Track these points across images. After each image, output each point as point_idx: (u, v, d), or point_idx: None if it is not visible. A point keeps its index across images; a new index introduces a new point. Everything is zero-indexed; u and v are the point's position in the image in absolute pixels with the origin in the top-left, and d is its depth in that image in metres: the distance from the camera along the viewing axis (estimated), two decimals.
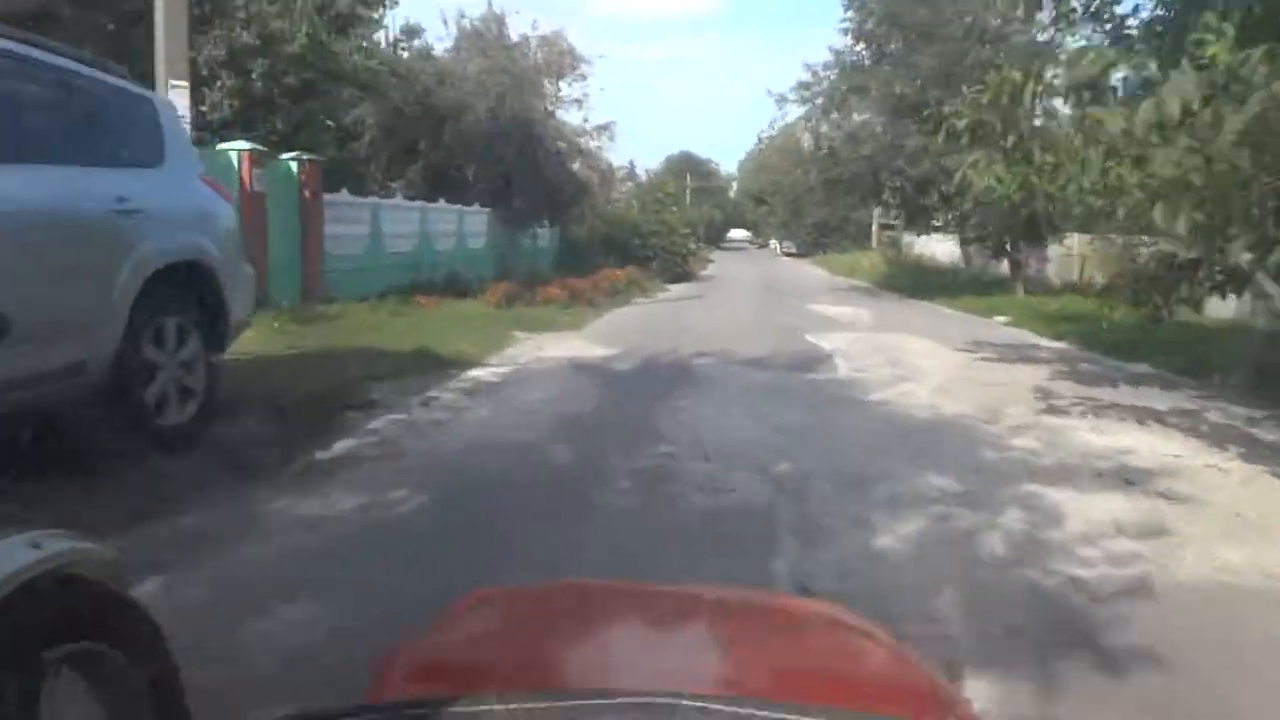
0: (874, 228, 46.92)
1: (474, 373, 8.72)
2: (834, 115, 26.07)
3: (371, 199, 16.87)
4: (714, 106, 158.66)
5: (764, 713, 0.73)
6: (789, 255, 57.92)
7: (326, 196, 14.25)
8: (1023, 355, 11.73)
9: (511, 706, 0.75)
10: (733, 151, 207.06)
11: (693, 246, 31.41)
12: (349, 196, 15.49)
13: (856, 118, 25.83)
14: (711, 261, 39.19)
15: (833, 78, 25.32)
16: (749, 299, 21.28)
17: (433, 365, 8.67)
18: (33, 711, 1.07)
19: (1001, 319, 16.81)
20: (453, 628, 1.49)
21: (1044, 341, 13.56)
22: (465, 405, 7.22)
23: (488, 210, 21.48)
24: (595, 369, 9.43)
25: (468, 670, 1.25)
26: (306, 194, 13.52)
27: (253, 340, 7.57)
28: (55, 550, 1.15)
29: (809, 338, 12.68)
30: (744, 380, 8.80)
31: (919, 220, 27.35)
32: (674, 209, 30.93)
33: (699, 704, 0.73)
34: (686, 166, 74.46)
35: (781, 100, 27.44)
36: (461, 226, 20.23)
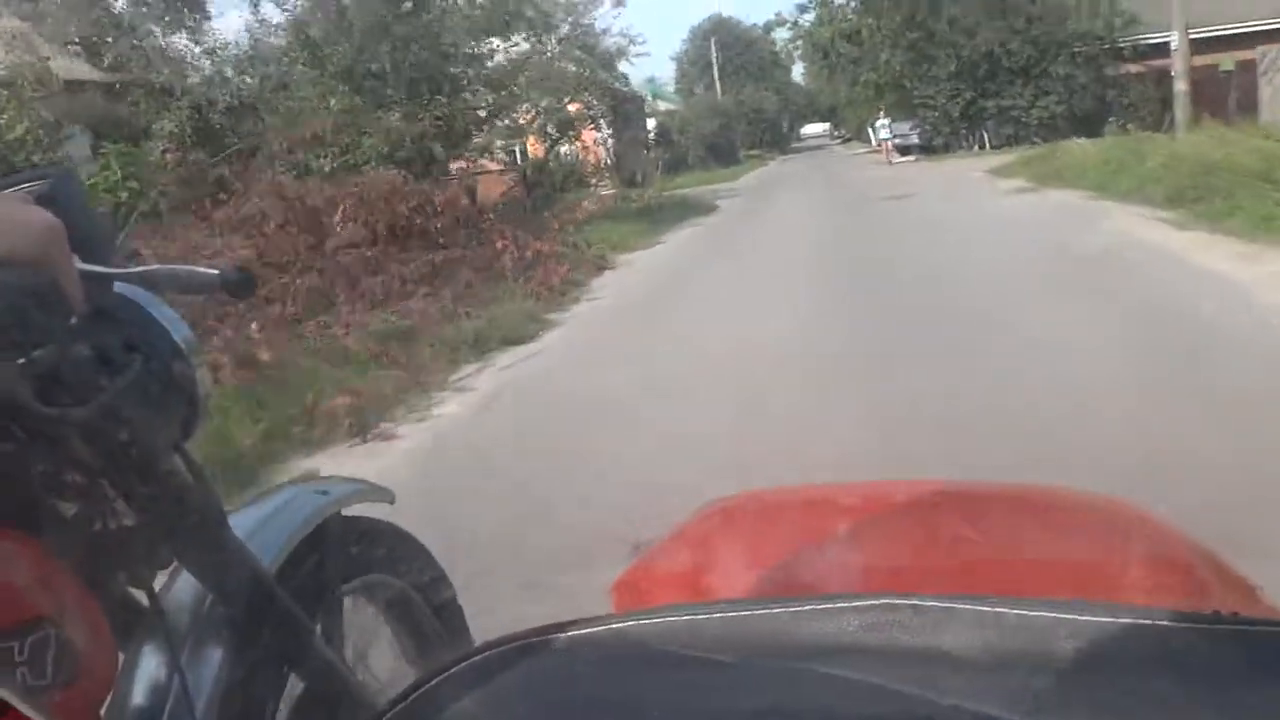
0: (1178, 67, 17.14)
1: None
2: None
3: None
4: None
5: (1013, 611, 0.63)
6: (906, 156, 27.80)
7: None
8: None
9: (736, 614, 0.70)
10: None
11: None
12: None
13: None
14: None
15: None
16: None
17: None
18: (337, 639, 1.21)
19: None
20: (686, 542, 1.48)
21: None
22: None
23: None
24: None
25: (699, 584, 1.33)
26: None
27: None
28: (340, 495, 1.27)
29: None
30: None
31: None
32: None
33: (944, 604, 0.65)
34: (716, 35, 49.89)
35: None
36: None
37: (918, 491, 1.58)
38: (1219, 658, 0.58)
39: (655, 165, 33.68)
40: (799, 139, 63.12)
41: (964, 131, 27.46)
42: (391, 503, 1.36)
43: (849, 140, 52.81)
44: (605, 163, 30.18)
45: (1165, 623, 0.60)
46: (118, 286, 0.90)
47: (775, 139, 53.17)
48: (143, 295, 0.93)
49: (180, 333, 0.93)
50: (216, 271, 0.92)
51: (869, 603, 0.66)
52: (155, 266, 0.90)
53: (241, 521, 1.10)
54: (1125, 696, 0.55)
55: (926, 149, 28.28)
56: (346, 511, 1.28)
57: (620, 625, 0.70)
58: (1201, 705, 0.54)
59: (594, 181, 30.07)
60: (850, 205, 15.82)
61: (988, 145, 27.16)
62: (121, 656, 0.89)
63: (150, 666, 0.94)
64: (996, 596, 0.64)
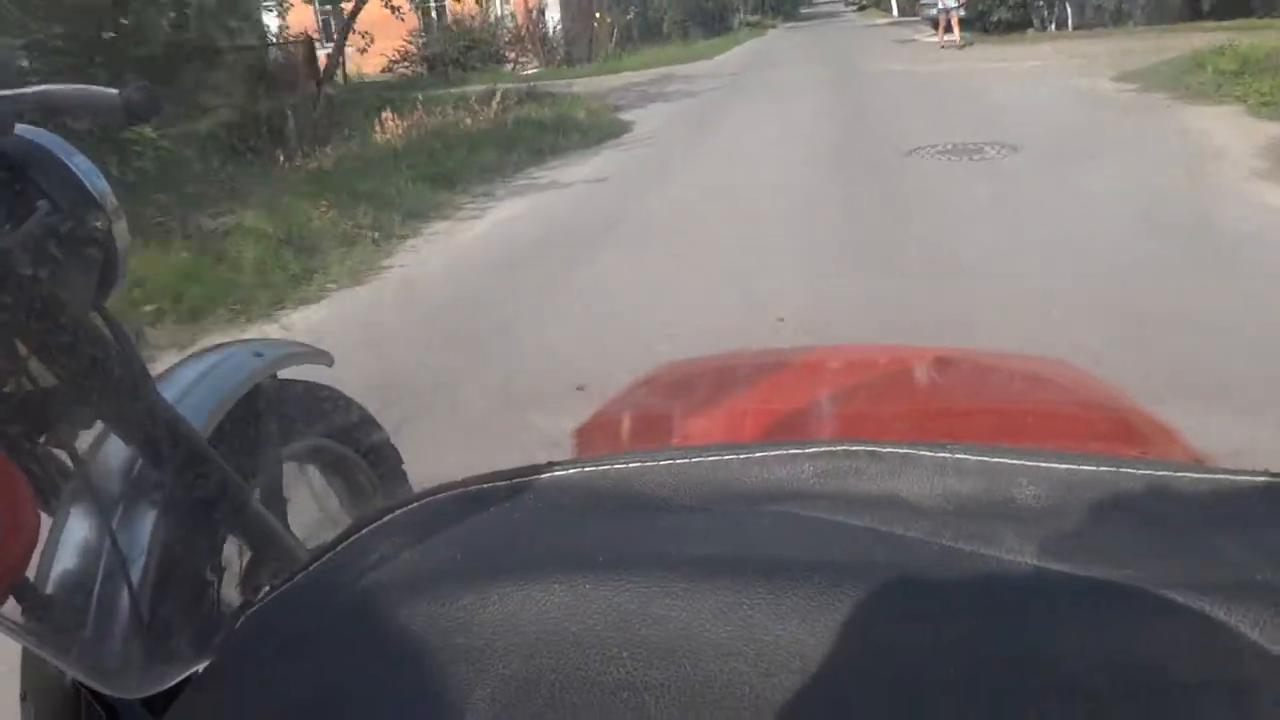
0: None
1: None
2: None
3: None
4: None
5: (973, 457, 0.63)
6: (948, 35, 17.64)
7: None
8: None
9: (686, 460, 0.67)
10: None
11: None
12: None
13: None
14: None
15: None
16: None
17: None
18: (277, 503, 1.18)
19: None
20: (641, 395, 1.48)
21: None
22: None
23: None
24: None
25: (651, 433, 1.31)
26: None
27: None
28: (275, 356, 1.23)
29: None
30: None
31: None
32: None
33: (902, 450, 0.64)
34: None
35: None
36: None
37: (878, 355, 1.62)
38: (1177, 505, 0.58)
39: (610, 34, 24.62)
40: (809, 3, 54.26)
41: (1041, 5, 18.94)
42: (330, 365, 1.30)
43: (865, 8, 43.87)
44: (530, 30, 21.49)
45: (1125, 470, 0.60)
46: (26, 132, 0.83)
47: (781, 3, 43.95)
48: (54, 141, 0.86)
49: (95, 184, 0.87)
50: (116, 91, 0.83)
51: (824, 449, 0.65)
52: (50, 86, 0.83)
53: (173, 382, 1.07)
54: (1089, 542, 0.55)
55: (982, 26, 19.73)
56: (284, 374, 1.22)
57: (566, 473, 0.68)
58: (1161, 551, 0.54)
59: (513, 56, 21.50)
60: (882, 178, 7.38)
61: (1069, 25, 18.81)
62: (50, 521, 0.88)
63: (80, 529, 0.91)
64: (955, 443, 0.63)
